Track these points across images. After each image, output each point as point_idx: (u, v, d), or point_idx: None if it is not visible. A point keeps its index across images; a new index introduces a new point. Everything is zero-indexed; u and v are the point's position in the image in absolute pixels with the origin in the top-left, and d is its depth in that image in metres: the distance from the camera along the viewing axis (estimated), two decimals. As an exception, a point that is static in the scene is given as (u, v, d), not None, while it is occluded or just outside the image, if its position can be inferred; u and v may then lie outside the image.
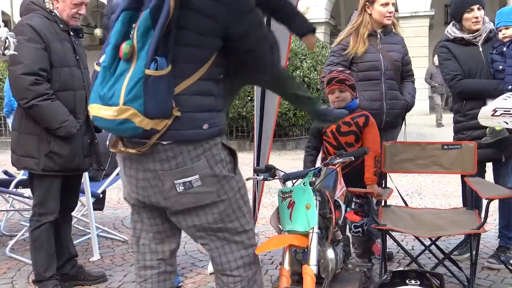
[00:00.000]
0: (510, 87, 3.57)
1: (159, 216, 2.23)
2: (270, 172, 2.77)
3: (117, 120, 1.89)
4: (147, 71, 1.85)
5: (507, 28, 3.69)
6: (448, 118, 13.68)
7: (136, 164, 2.06)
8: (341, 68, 3.62)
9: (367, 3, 3.90)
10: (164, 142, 1.99)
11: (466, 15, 3.80)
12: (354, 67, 3.89)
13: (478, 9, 3.77)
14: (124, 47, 1.90)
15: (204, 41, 2.00)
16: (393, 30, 4.07)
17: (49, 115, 3.23)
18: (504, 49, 3.69)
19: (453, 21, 3.95)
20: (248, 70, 2.27)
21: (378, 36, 3.93)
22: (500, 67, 3.68)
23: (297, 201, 2.42)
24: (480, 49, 3.82)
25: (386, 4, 3.87)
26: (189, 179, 2.02)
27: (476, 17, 3.77)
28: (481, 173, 3.85)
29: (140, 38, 1.89)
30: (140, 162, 2.04)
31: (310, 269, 2.33)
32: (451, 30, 3.92)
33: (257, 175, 2.94)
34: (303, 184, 2.46)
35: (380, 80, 3.88)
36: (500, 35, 3.74)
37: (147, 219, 2.25)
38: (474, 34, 3.82)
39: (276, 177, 2.75)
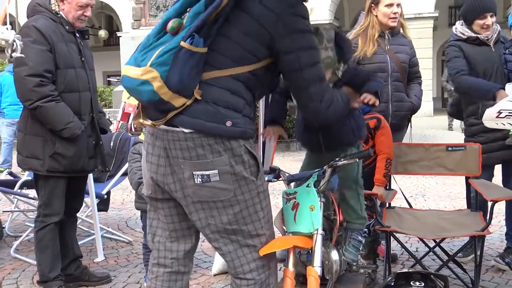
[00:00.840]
0: None
1: (176, 215, 2.26)
2: (275, 173, 2.77)
3: (139, 79, 1.97)
4: (182, 43, 1.94)
5: None
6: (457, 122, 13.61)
7: (158, 150, 2.11)
8: None
9: (372, 4, 3.88)
10: (186, 130, 2.03)
11: (478, 21, 3.75)
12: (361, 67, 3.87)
13: (491, 16, 3.73)
14: (173, 21, 2.01)
15: (248, 42, 2.05)
16: (401, 31, 4.05)
17: (53, 116, 3.24)
18: None
19: (461, 21, 3.88)
20: (295, 99, 2.27)
21: (386, 37, 3.91)
22: None
23: (302, 203, 2.42)
24: (493, 49, 3.78)
25: (390, 5, 3.83)
26: (207, 172, 2.05)
27: (488, 25, 3.73)
28: (490, 175, 3.83)
29: (189, 19, 1.99)
30: (164, 148, 2.09)
31: (315, 270, 2.33)
32: (463, 30, 3.83)
33: None
34: (307, 185, 2.46)
35: (386, 82, 3.86)
36: None
37: (163, 216, 2.28)
38: (486, 35, 3.77)
39: (281, 179, 2.75)
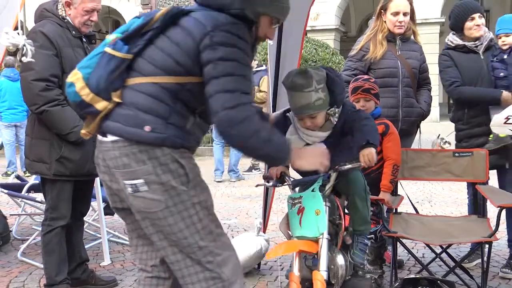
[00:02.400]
0: None
1: (140, 228, 2.26)
2: (279, 178, 2.77)
3: (69, 82, 2.12)
4: (106, 48, 2.08)
5: (507, 36, 3.73)
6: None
7: (100, 162, 2.18)
8: (366, 76, 3.61)
9: (381, 10, 3.92)
10: (111, 139, 2.08)
11: (467, 24, 3.83)
12: (372, 73, 3.86)
13: (479, 17, 3.82)
14: (111, 35, 2.15)
15: (176, 52, 2.07)
16: (412, 37, 4.05)
17: (59, 120, 3.25)
18: (505, 56, 3.71)
19: (453, 31, 3.97)
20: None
21: (397, 42, 3.93)
22: (501, 74, 3.70)
23: (307, 207, 2.42)
24: (482, 56, 3.84)
25: (397, 14, 3.85)
26: (134, 182, 2.06)
27: (478, 25, 3.81)
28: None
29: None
30: (102, 159, 2.16)
31: (320, 274, 2.34)
32: (452, 38, 3.93)
33: (267, 181, 2.94)
34: (313, 190, 2.46)
35: (397, 87, 3.87)
36: (500, 43, 3.78)
37: (132, 231, 2.35)
38: (475, 42, 3.84)
39: (286, 183, 2.75)
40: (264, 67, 8.50)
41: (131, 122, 2.05)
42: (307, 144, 2.64)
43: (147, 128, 2.03)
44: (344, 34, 25.02)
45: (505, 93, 3.58)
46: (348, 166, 2.55)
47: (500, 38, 3.77)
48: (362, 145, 2.54)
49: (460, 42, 3.88)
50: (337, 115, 2.60)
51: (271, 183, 2.81)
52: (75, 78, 2.10)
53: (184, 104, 2.11)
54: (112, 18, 30.12)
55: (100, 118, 2.11)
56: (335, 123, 2.64)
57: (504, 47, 3.74)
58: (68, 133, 3.27)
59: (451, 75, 3.85)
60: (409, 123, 3.94)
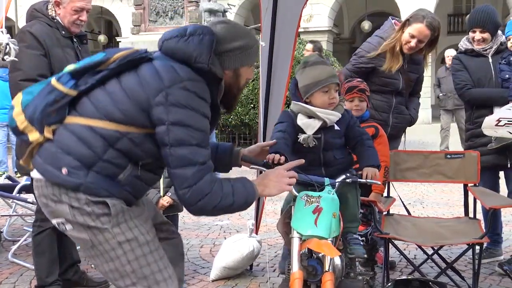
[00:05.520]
0: None
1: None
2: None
3: (11, 104, 2.06)
4: (52, 79, 2.01)
5: None
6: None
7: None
8: (359, 78, 3.60)
9: (407, 21, 3.74)
10: (35, 176, 2.03)
11: (470, 34, 3.94)
12: (375, 77, 3.81)
13: (481, 32, 3.85)
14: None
15: (125, 101, 1.97)
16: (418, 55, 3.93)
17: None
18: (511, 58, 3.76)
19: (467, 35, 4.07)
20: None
21: (406, 58, 3.83)
22: (507, 76, 3.76)
23: (325, 208, 2.41)
24: (490, 60, 3.90)
25: (413, 36, 3.69)
26: (58, 220, 2.03)
27: (478, 39, 3.88)
28: (494, 180, 3.96)
29: None
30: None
31: (332, 274, 2.39)
32: (463, 43, 4.04)
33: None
34: (332, 193, 2.48)
35: (391, 95, 3.87)
36: (509, 44, 3.82)
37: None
38: (483, 47, 3.90)
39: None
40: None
41: (50, 161, 1.97)
42: (324, 126, 2.71)
43: (63, 170, 1.94)
44: (337, 35, 25.09)
45: None
46: (366, 181, 2.69)
47: (510, 40, 3.82)
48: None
49: (469, 46, 3.97)
50: (344, 103, 2.72)
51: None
52: (16, 101, 2.03)
53: (123, 154, 1.99)
54: (105, 19, 30.03)
55: (31, 151, 2.04)
56: (344, 109, 2.80)
57: None
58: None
59: (462, 78, 3.96)
60: (398, 129, 3.99)
